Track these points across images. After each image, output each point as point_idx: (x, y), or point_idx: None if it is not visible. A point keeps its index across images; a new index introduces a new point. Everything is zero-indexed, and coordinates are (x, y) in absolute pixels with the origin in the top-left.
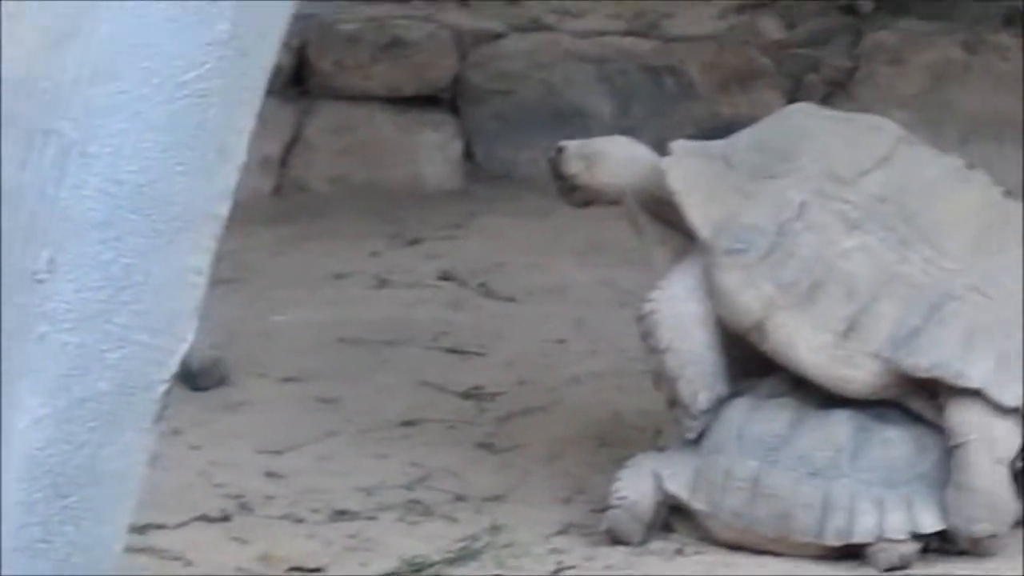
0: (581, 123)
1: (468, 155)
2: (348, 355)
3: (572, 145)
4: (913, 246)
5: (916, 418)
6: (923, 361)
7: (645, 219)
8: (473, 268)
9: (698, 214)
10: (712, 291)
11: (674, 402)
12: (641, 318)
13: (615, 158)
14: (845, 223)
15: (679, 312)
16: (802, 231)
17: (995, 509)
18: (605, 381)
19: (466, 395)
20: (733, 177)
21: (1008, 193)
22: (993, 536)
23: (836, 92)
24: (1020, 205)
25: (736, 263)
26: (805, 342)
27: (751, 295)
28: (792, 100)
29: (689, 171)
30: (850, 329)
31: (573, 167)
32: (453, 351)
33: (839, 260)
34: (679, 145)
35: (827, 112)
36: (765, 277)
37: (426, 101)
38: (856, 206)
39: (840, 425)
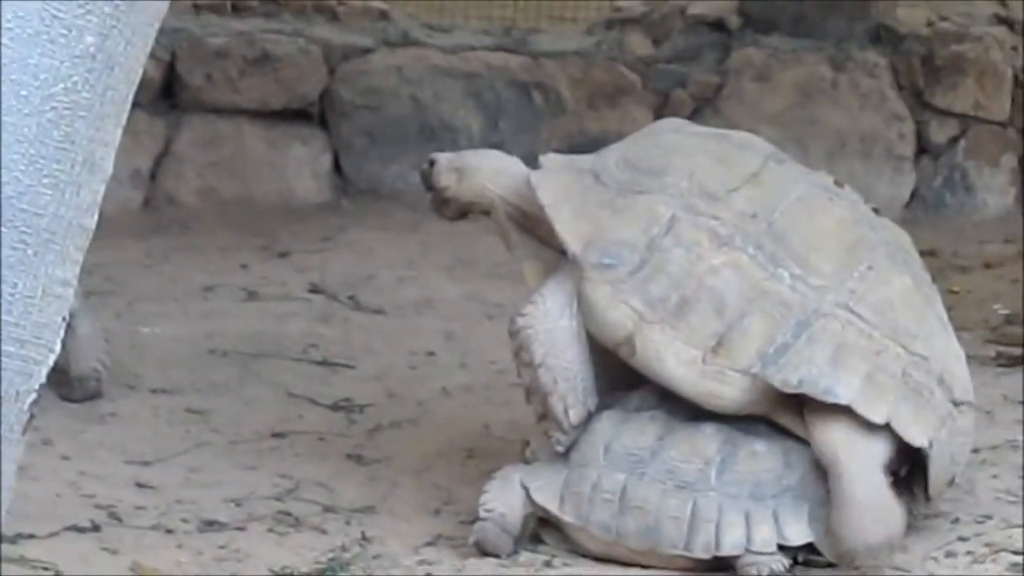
0: (449, 138)
1: (337, 169)
2: (218, 367)
3: (444, 157)
4: (782, 263)
5: (783, 432)
6: (792, 377)
7: (516, 233)
8: (342, 281)
9: (568, 229)
10: (582, 306)
11: (545, 416)
12: (514, 333)
13: (486, 170)
14: (715, 239)
15: (552, 328)
16: (671, 247)
17: (880, 517)
18: (474, 394)
19: (335, 407)
20: (603, 192)
21: (877, 210)
22: (889, 545)
23: (704, 108)
24: (888, 222)
25: (606, 278)
26: (674, 357)
27: (620, 310)
28: (660, 116)
29: (559, 185)
30: (719, 345)
31: (444, 179)
32: (323, 363)
33: (708, 276)
34: (549, 159)
35: (697, 128)
36: (634, 292)
37: (295, 115)
38: (725, 222)
39: (708, 438)
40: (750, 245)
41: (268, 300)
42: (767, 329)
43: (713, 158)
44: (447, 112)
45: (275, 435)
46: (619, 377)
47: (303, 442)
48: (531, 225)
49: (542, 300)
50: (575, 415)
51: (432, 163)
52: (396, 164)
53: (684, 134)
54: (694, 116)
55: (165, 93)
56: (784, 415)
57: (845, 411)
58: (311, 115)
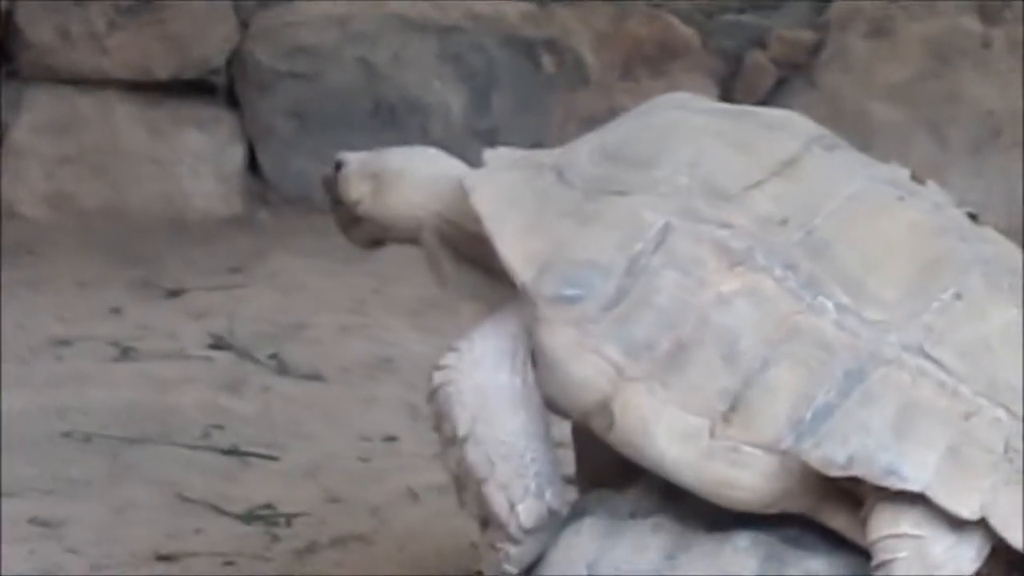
0: (417, 122)
1: (252, 167)
2: (77, 458)
3: (354, 160)
4: (824, 288)
5: (842, 540)
6: (838, 454)
7: (453, 261)
8: (260, 332)
9: (513, 247)
10: (535, 357)
11: (485, 521)
12: (431, 394)
13: (414, 177)
14: (725, 256)
15: (483, 384)
16: (662, 268)
17: None
18: (451, 496)
19: (249, 517)
20: (567, 195)
21: (975, 216)
22: None
23: (793, 77)
24: (992, 233)
25: (567, 317)
26: (667, 429)
27: (589, 363)
28: (727, 88)
29: (504, 189)
30: (732, 409)
31: (355, 189)
32: (231, 453)
33: (716, 310)
34: (497, 155)
35: (711, 103)
36: (609, 336)
37: (189, 88)
38: (741, 232)
39: (741, 556)
40: (777, 264)
41: (151, 360)
42: (801, 384)
43: (727, 142)
44: (414, 84)
45: (161, 558)
46: (602, 465)
47: (202, 567)
48: (471, 250)
49: (469, 347)
50: (527, 514)
51: (339, 166)
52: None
53: (689, 111)
54: (779, 89)
55: None
56: (834, 512)
57: (918, 501)
58: (213, 88)
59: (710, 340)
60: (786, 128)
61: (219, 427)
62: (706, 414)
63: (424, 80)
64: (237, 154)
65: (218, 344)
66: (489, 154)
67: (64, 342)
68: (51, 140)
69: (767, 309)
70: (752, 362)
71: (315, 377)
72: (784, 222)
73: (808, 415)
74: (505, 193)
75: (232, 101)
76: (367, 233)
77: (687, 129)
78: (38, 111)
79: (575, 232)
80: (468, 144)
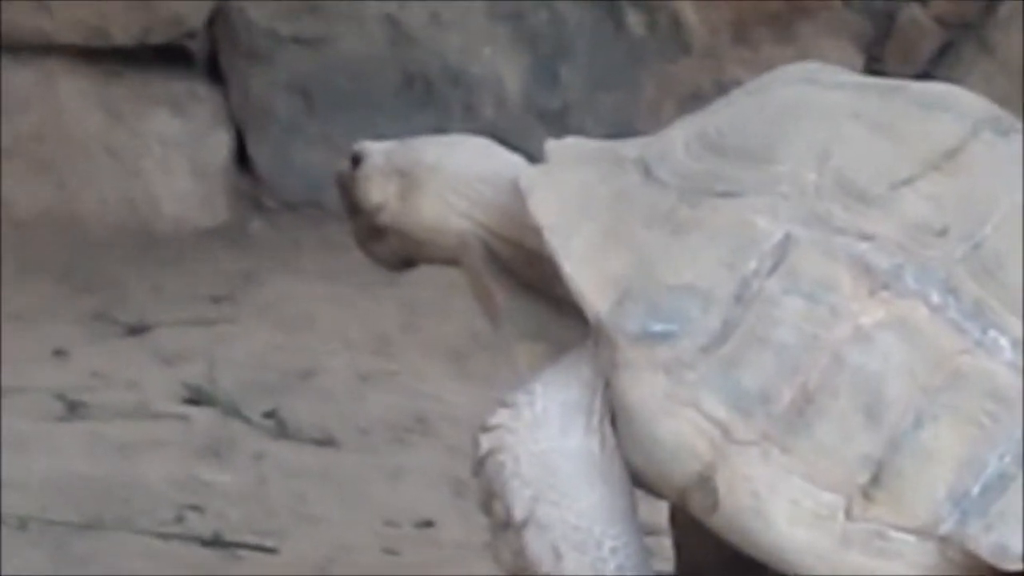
0: (460, 102)
1: (241, 162)
2: (9, 550)
3: (377, 152)
4: (995, 319)
5: None
6: (1015, 541)
7: (506, 290)
8: (251, 381)
9: (585, 268)
10: (618, 415)
11: None
12: (479, 464)
13: (452, 176)
14: (865, 277)
15: (549, 451)
16: (782, 294)
17: None
18: None
19: None
20: (656, 198)
21: None
22: None
23: (962, 40)
24: None
25: (656, 360)
26: (790, 509)
27: (684, 422)
28: (873, 56)
29: (572, 191)
30: (875, 482)
31: (377, 192)
32: (214, 544)
33: (853, 349)
34: (560, 147)
35: (846, 76)
36: (711, 385)
37: (158, 57)
38: (886, 245)
39: None
40: (934, 287)
41: (106, 418)
42: (967, 447)
43: (869, 126)
44: (457, 51)
45: None
46: (710, 559)
47: None
48: (535, 275)
49: (528, 401)
50: None
51: (356, 160)
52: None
53: (820, 86)
54: (943, 56)
55: None
56: None
57: None
58: (190, 56)
59: (846, 388)
60: (948, 107)
61: (197, 508)
62: (841, 488)
63: (470, 46)
64: (221, 144)
65: (196, 398)
66: (553, 146)
67: None
68: None
69: (921, 347)
70: (902, 418)
71: (325, 442)
72: (943, 232)
73: (976, 489)
74: (574, 197)
75: (214, 74)
76: (393, 249)
77: (816, 109)
78: None
79: (667, 247)
80: (529, 130)
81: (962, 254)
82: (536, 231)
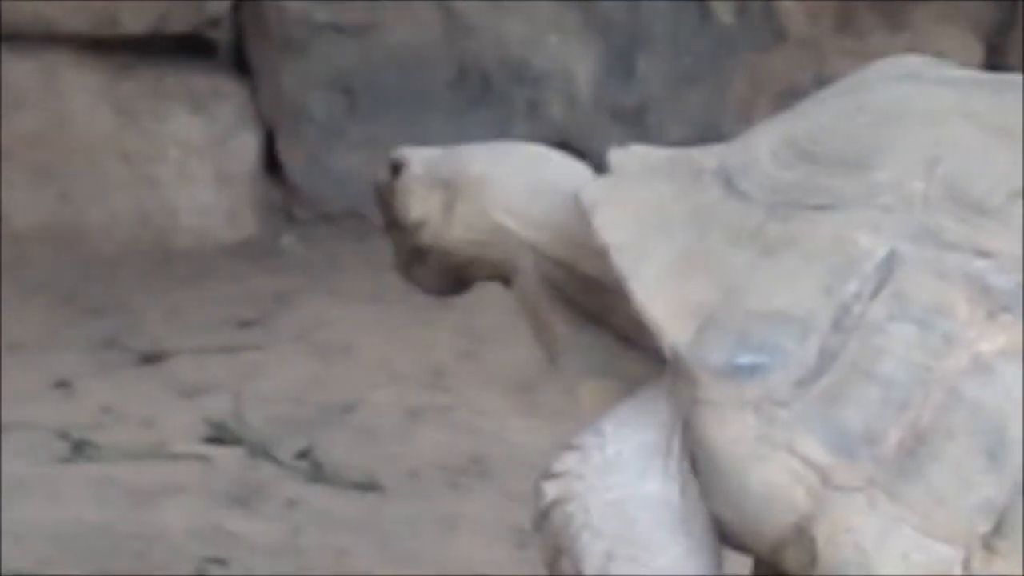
0: (524, 99)
1: (271, 168)
2: None
3: (418, 160)
4: None
5: None
6: None
7: (565, 319)
8: (283, 418)
9: (659, 295)
10: (699, 459)
11: None
12: (542, 515)
13: (502, 189)
14: (983, 300)
15: (624, 500)
16: (887, 321)
17: None
18: None
19: None
20: (741, 213)
21: None
22: None
23: None
24: None
25: (743, 397)
26: (899, 564)
27: (777, 467)
28: (998, 49)
29: (643, 207)
30: (998, 532)
31: (417, 206)
32: None
33: (970, 382)
34: (628, 156)
35: (954, 71)
36: (808, 425)
37: (176, 48)
38: (1006, 262)
39: None
40: None
41: (117, 459)
42: None
43: (983, 127)
44: (520, 41)
45: None
46: None
47: None
48: (599, 303)
49: (599, 444)
50: None
51: (396, 169)
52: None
53: (925, 82)
54: None
55: None
56: None
57: None
58: (213, 47)
59: (963, 427)
60: None
61: (221, 562)
62: (959, 539)
63: (535, 35)
64: (249, 148)
65: (220, 436)
66: (617, 156)
67: None
68: None
69: None
70: None
71: (368, 486)
72: None
73: None
74: (645, 214)
75: (241, 67)
76: (436, 272)
77: (921, 110)
78: None
79: (754, 269)
80: (601, 131)
81: None
82: (602, 253)
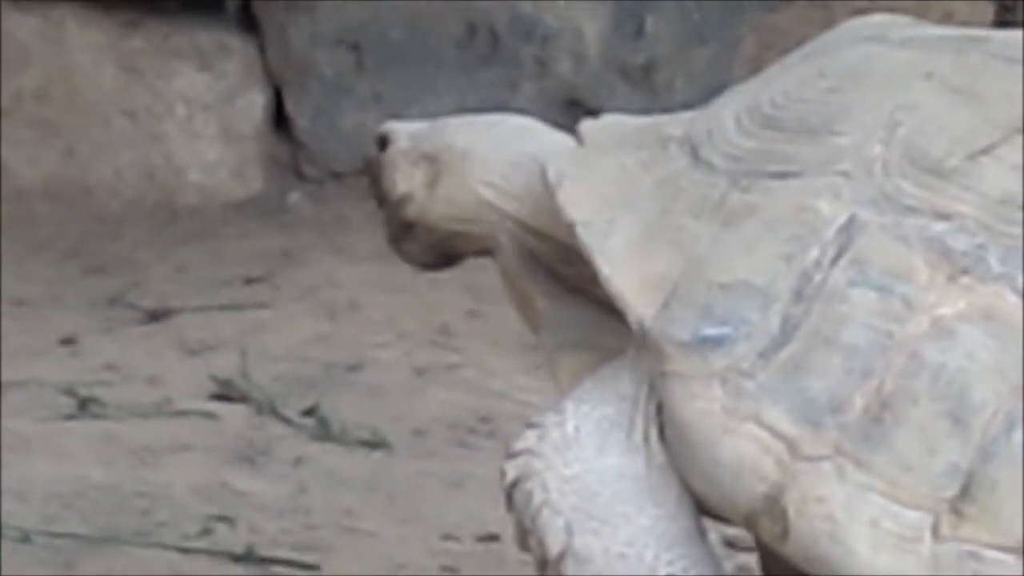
0: (532, 57)
1: (278, 125)
2: (11, 566)
3: (404, 134)
4: None
5: None
6: None
7: (544, 291)
8: (289, 375)
9: (625, 268)
10: (668, 430)
11: None
12: (509, 489)
13: (484, 162)
14: (943, 262)
15: (584, 474)
16: (848, 286)
17: None
18: None
19: None
20: (705, 182)
21: None
22: None
23: None
24: None
25: (709, 369)
26: (869, 531)
27: (744, 438)
28: (1005, 6)
29: (608, 179)
30: (965, 495)
31: (403, 180)
32: (246, 559)
33: (932, 346)
34: (597, 127)
35: (920, 29)
36: (773, 395)
37: (185, 4)
38: (966, 224)
39: None
40: (1021, 271)
41: (122, 417)
42: None
43: (944, 88)
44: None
45: None
46: None
47: None
48: (577, 274)
49: (558, 421)
50: None
51: (383, 143)
52: (413, 114)
53: (888, 43)
54: None
55: None
56: None
57: None
58: (220, 4)
59: (927, 392)
60: None
61: (227, 520)
62: (927, 504)
63: None
64: (256, 105)
65: (226, 393)
66: (588, 127)
67: None
68: None
69: (1011, 340)
70: (991, 422)
71: (374, 444)
72: None
73: None
74: (611, 187)
75: (248, 23)
76: (424, 246)
77: (883, 72)
78: None
79: (718, 239)
80: (610, 90)
81: None
82: (568, 228)
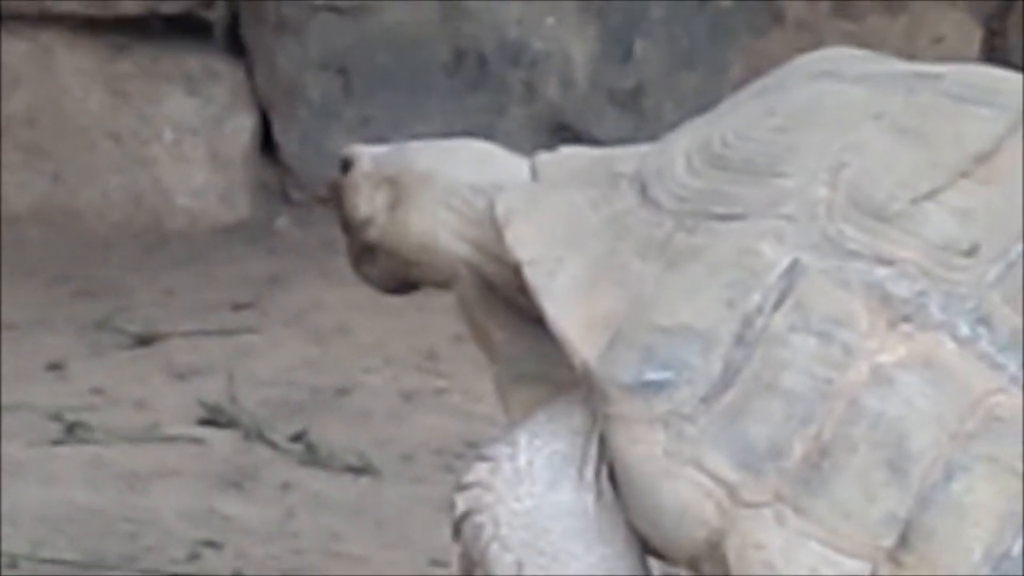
0: (520, 81)
1: (266, 149)
2: None
3: (367, 156)
4: None
5: None
6: None
7: (499, 323)
8: (277, 400)
9: (569, 310)
10: (617, 474)
11: None
12: (460, 520)
13: (444, 188)
14: (883, 309)
15: (534, 510)
16: (789, 332)
17: None
18: None
19: None
20: (652, 222)
21: None
22: None
23: None
24: None
25: (651, 413)
26: (809, 575)
27: (686, 483)
28: (994, 31)
29: (556, 217)
30: (903, 544)
31: (364, 204)
32: None
33: (871, 393)
34: (551, 161)
35: (875, 65)
36: (714, 440)
37: (170, 28)
38: (907, 270)
39: None
40: (962, 317)
41: (110, 442)
42: (1005, 501)
43: (891, 128)
44: (516, 22)
45: None
46: None
47: None
48: (532, 304)
49: (510, 454)
50: None
51: (347, 164)
52: (400, 138)
53: (842, 80)
54: None
55: None
56: None
57: None
58: (207, 27)
59: (865, 439)
60: (986, 99)
61: (215, 545)
62: (866, 553)
63: (531, 16)
64: (243, 129)
65: (213, 418)
66: (543, 160)
67: None
68: None
69: (949, 388)
70: (930, 470)
71: (362, 469)
72: (973, 251)
73: (1016, 547)
74: (558, 224)
75: (235, 47)
76: (385, 270)
77: (832, 111)
78: None
79: (661, 281)
80: (598, 114)
81: (995, 276)
82: (515, 266)
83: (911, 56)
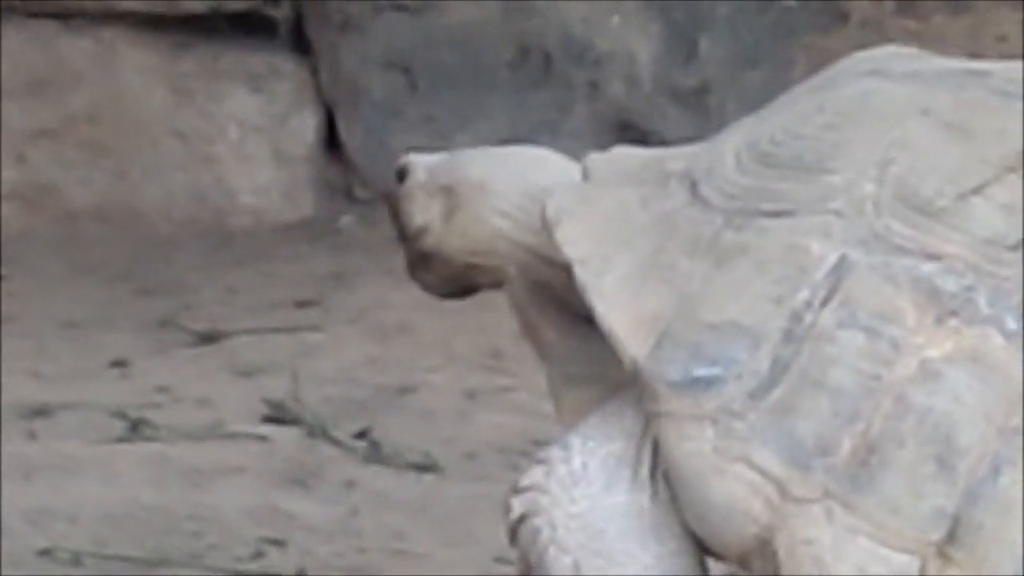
0: (585, 80)
1: (330, 147)
2: None
3: (422, 165)
4: None
5: None
6: None
7: (553, 325)
8: (341, 398)
9: (619, 308)
10: (666, 471)
11: None
12: (513, 528)
13: (498, 194)
14: (931, 304)
15: (591, 512)
16: (837, 328)
17: None
18: None
19: None
20: (701, 220)
21: None
22: None
23: None
24: None
25: (700, 410)
26: (857, 571)
27: (734, 479)
28: None
29: (606, 217)
30: (951, 539)
31: (420, 213)
32: None
33: (919, 388)
34: (602, 161)
35: (922, 63)
36: (762, 437)
37: (234, 25)
38: (954, 265)
39: None
40: (1009, 312)
41: (172, 440)
42: None
43: (938, 125)
44: (581, 22)
45: None
46: None
47: None
48: (570, 304)
49: (564, 457)
50: None
51: (402, 173)
52: (464, 136)
53: (889, 78)
54: None
55: None
56: None
57: None
58: (272, 25)
59: (913, 435)
60: None
61: (279, 543)
62: (914, 548)
63: (595, 15)
64: (307, 127)
65: (277, 416)
66: (595, 160)
67: (40, 412)
68: (22, 103)
69: (997, 382)
70: (977, 465)
71: (426, 467)
72: (1019, 245)
73: None
74: (608, 223)
75: (300, 46)
76: (441, 277)
77: (879, 109)
78: (4, 58)
79: (710, 279)
80: (662, 112)
81: None
82: (566, 267)
83: (975, 55)
